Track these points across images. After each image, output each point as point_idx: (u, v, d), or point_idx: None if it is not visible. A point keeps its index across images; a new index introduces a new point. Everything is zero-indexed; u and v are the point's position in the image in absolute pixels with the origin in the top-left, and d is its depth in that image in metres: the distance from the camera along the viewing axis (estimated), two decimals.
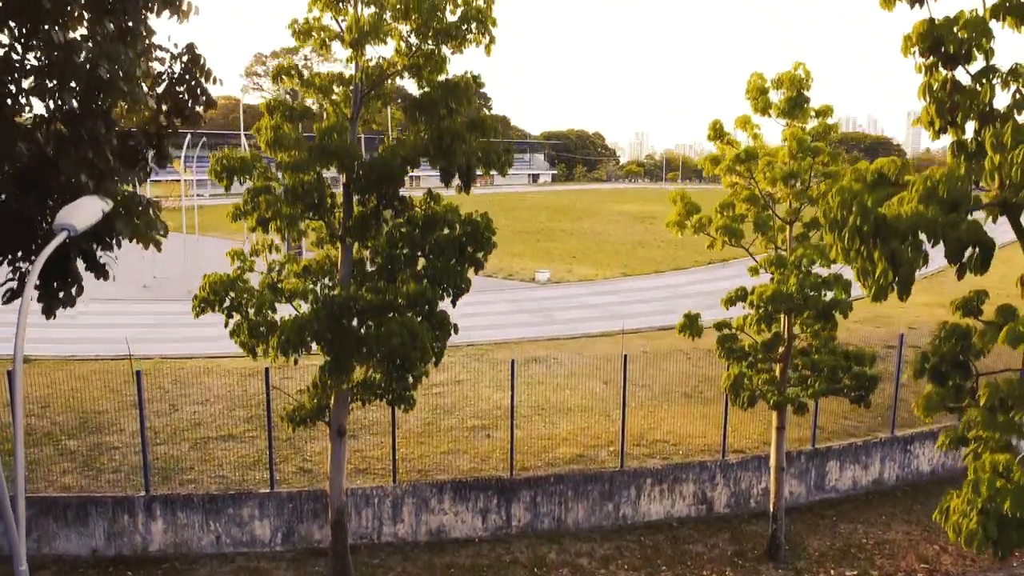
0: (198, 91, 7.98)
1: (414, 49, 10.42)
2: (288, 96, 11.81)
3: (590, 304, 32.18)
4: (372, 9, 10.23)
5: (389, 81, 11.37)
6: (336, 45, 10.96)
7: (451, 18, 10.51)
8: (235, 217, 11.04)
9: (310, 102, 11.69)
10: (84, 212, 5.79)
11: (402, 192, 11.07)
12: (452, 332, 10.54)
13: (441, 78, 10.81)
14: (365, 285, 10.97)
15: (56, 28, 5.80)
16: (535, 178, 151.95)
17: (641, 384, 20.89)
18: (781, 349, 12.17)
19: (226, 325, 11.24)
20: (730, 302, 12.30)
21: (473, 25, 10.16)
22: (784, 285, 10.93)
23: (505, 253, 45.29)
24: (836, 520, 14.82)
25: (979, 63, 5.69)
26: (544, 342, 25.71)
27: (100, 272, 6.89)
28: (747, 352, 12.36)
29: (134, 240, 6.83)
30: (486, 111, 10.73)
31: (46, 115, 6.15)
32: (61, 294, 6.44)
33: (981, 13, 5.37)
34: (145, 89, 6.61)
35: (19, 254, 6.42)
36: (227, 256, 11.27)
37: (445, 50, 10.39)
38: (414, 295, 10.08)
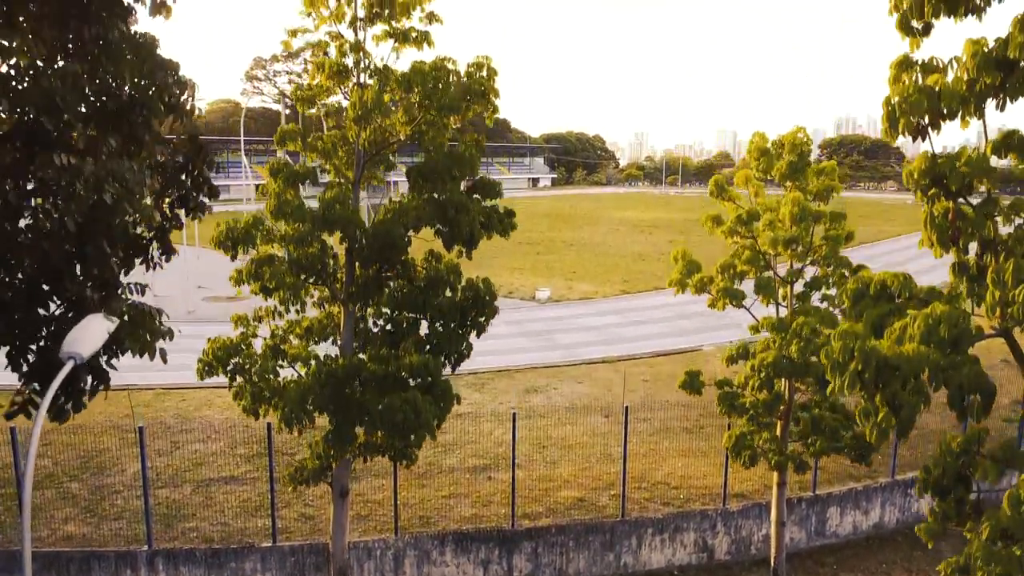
0: (200, 179, 8.02)
1: (417, 118, 10.45)
2: (290, 157, 11.84)
3: (591, 326, 32.19)
4: (375, 80, 10.26)
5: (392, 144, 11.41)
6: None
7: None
8: (238, 282, 11.06)
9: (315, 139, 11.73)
10: (90, 335, 5.82)
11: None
12: (455, 403, 10.58)
13: (444, 138, 10.91)
14: (368, 350, 11.03)
15: (58, 152, 5.83)
16: (535, 182, 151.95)
17: (642, 418, 20.89)
18: (782, 407, 12.21)
19: (229, 387, 11.33)
20: (731, 360, 12.34)
21: (476, 97, 10.18)
22: (785, 351, 10.96)
23: (506, 268, 45.34)
24: (836, 568, 14.86)
25: (981, 192, 5.72)
26: (544, 370, 25.73)
27: (103, 380, 6.93)
28: (748, 408, 12.40)
29: (140, 354, 6.87)
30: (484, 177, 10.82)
31: (50, 228, 6.17)
32: (70, 404, 6.47)
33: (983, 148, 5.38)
34: (149, 201, 6.64)
35: (24, 367, 6.45)
36: (231, 321, 11.31)
37: (449, 118, 10.43)
38: (417, 367, 10.11)
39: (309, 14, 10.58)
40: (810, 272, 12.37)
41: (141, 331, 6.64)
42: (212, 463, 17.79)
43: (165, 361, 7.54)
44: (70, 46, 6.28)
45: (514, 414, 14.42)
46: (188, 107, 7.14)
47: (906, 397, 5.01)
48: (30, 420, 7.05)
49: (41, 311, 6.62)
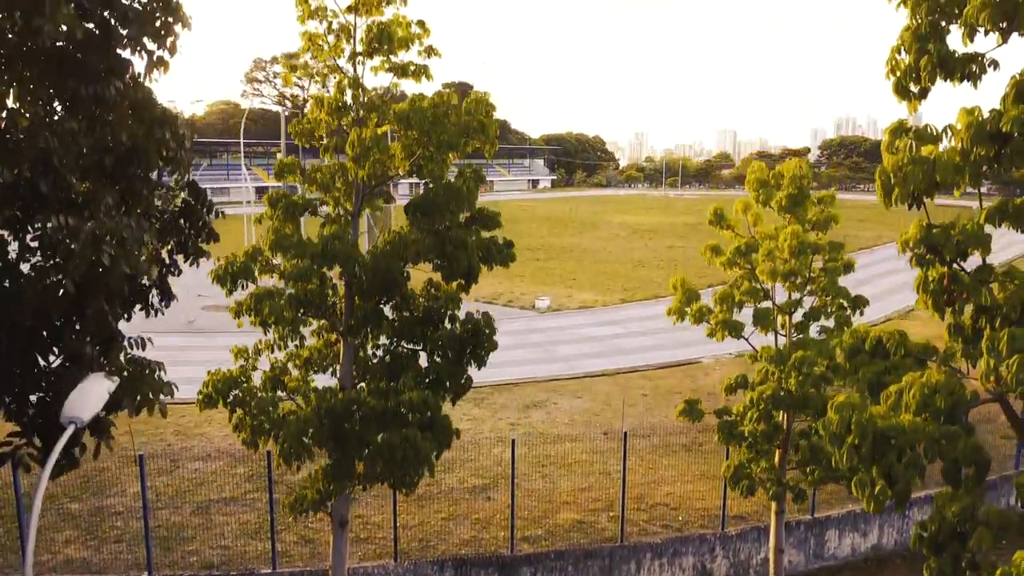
0: (200, 224, 8.04)
1: (416, 154, 10.47)
2: (288, 190, 11.85)
3: (591, 337, 32.23)
4: (374, 115, 10.29)
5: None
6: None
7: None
8: (237, 314, 11.08)
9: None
10: (91, 398, 5.85)
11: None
12: (455, 437, 10.60)
13: (443, 171, 10.93)
14: (367, 382, 11.06)
15: (55, 212, 5.86)
16: (535, 183, 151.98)
17: (641, 435, 20.93)
18: (780, 437, 12.23)
19: (230, 419, 11.36)
20: (730, 390, 12.38)
21: (475, 133, 10.21)
22: (784, 384, 10.99)
23: (506, 275, 45.16)
24: None
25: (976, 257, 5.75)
26: (544, 383, 25.76)
27: (105, 434, 6.96)
28: (747, 436, 12.42)
29: (140, 413, 6.90)
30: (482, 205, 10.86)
31: (49, 287, 6.20)
32: (64, 460, 6.50)
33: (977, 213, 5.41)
34: (148, 255, 6.66)
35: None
36: (231, 353, 11.34)
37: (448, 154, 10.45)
38: (416, 403, 10.13)
39: (308, 49, 10.60)
40: (809, 301, 12.40)
41: (142, 386, 6.66)
42: (212, 483, 17.83)
43: (164, 415, 7.57)
44: (67, 103, 6.29)
45: (513, 441, 14.46)
46: (185, 158, 7.16)
47: (902, 470, 5.04)
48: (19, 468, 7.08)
49: (40, 360, 6.64)
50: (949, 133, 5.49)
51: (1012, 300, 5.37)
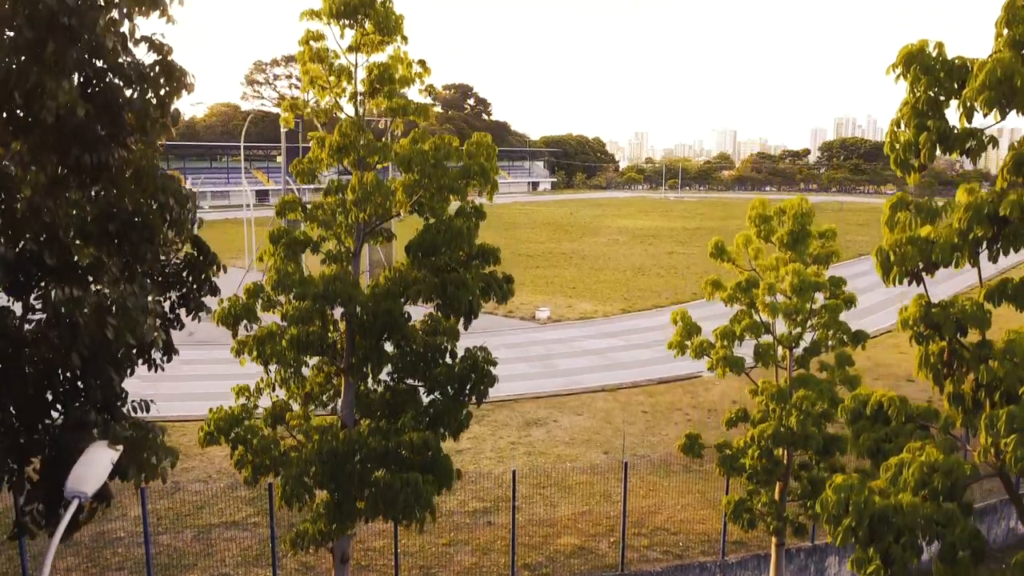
0: (203, 278, 8.07)
1: (416, 196, 10.51)
2: (291, 224, 11.88)
3: (591, 350, 32.25)
4: (375, 157, 10.33)
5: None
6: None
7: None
8: (238, 352, 11.12)
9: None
10: (94, 471, 5.88)
11: None
12: (455, 478, 10.64)
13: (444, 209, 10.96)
14: (368, 420, 11.10)
15: (60, 284, 5.89)
16: (535, 186, 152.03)
17: (640, 455, 20.99)
18: (781, 471, 12.27)
19: (231, 456, 11.42)
20: (731, 423, 12.41)
21: (475, 175, 10.25)
22: (785, 422, 11.02)
23: None
24: None
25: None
26: (545, 399, 25.79)
27: (106, 500, 6.99)
28: (748, 469, 12.46)
29: (142, 481, 6.93)
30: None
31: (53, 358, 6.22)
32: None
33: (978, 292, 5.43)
34: (151, 320, 6.68)
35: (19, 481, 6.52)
36: (232, 392, 11.38)
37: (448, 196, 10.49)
38: (418, 445, 10.17)
39: (308, 91, 10.63)
40: (810, 333, 12.43)
41: (145, 452, 6.69)
42: (213, 506, 17.86)
43: (165, 482, 7.59)
44: (70, 171, 6.32)
45: (513, 472, 14.49)
46: (189, 218, 7.20)
47: (899, 552, 5.08)
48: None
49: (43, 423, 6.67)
50: (949, 209, 5.51)
51: (1012, 376, 5.40)
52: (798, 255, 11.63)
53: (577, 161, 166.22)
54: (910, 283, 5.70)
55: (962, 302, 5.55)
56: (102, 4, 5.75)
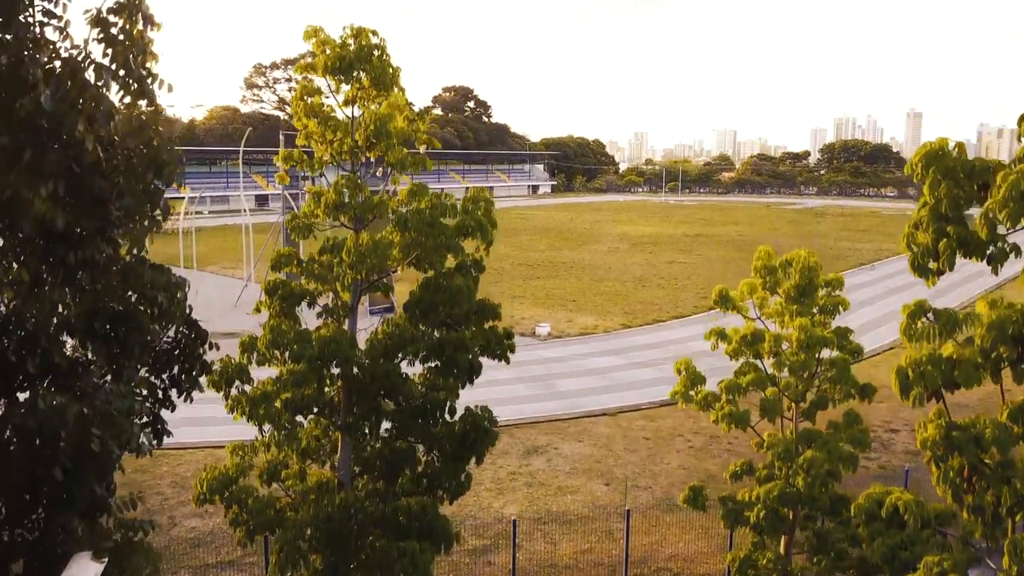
0: (196, 356, 7.82)
1: (413, 254, 10.28)
2: (287, 277, 11.64)
3: (592, 369, 32.01)
4: (372, 216, 10.10)
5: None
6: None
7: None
8: (231, 409, 10.89)
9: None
10: None
11: None
12: (455, 542, 10.41)
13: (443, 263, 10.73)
14: (365, 481, 10.88)
15: (42, 396, 5.64)
16: (535, 189, 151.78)
17: (643, 486, 20.77)
18: (787, 526, 12.04)
19: (226, 515, 11.20)
20: (735, 476, 12.19)
21: (473, 232, 10.02)
22: (792, 481, 10.79)
23: (507, 295, 45.15)
24: None
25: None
26: (545, 425, 25.56)
27: None
28: (752, 522, 12.23)
29: None
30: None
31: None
32: None
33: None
34: (139, 428, 6.43)
35: None
36: (227, 450, 11.16)
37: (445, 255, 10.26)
38: (415, 511, 9.94)
39: (305, 145, 10.41)
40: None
41: (133, 558, 6.44)
42: (209, 543, 17.63)
43: None
44: (54, 269, 6.08)
45: (514, 523, 14.24)
46: (181, 309, 6.95)
47: None
48: None
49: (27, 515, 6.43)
50: (971, 320, 5.28)
51: None
52: (805, 309, 11.40)
53: (577, 164, 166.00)
54: (929, 400, 5.48)
55: (983, 423, 5.31)
56: (81, 105, 5.49)
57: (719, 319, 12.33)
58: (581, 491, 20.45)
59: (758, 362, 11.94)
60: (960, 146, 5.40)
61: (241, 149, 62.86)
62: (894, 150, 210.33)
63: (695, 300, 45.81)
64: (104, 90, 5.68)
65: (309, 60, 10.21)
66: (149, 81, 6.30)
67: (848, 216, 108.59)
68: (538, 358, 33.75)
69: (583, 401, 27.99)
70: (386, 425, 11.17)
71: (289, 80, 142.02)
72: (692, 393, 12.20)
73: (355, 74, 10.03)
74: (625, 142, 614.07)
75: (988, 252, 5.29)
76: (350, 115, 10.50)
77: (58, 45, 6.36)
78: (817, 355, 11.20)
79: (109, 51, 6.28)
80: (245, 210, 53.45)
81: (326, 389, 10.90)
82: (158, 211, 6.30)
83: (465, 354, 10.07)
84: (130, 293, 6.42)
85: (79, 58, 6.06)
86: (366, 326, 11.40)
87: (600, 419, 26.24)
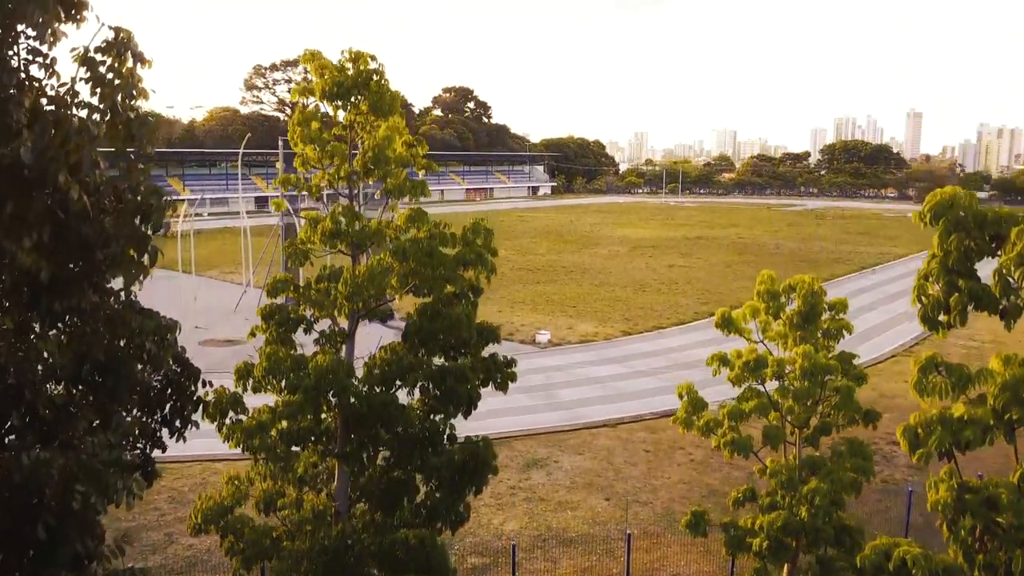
0: (188, 394, 7.66)
1: (411, 284, 10.12)
2: (285, 302, 11.49)
3: (592, 378, 31.84)
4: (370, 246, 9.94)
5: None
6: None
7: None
8: (227, 438, 10.73)
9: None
10: None
11: None
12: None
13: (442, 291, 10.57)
14: (362, 512, 10.73)
15: (26, 451, 5.49)
16: (535, 190, 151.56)
17: (643, 501, 20.61)
18: (790, 554, 11.88)
19: (221, 544, 11.06)
20: (738, 503, 12.03)
21: (471, 263, 9.86)
22: (796, 511, 10.63)
23: (507, 301, 45.02)
24: None
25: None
26: (545, 437, 25.38)
27: None
28: (755, 548, 12.07)
29: None
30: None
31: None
32: None
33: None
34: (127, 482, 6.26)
35: None
36: (223, 482, 11.00)
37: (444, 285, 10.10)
38: (414, 544, 9.78)
39: (303, 168, 10.25)
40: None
41: None
42: (206, 562, 17.45)
43: None
44: (39, 317, 5.92)
45: (514, 547, 14.07)
46: (171, 353, 6.80)
47: None
48: None
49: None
50: (983, 377, 5.11)
51: None
52: (808, 334, 11.23)
53: (577, 164, 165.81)
54: (940, 459, 5.32)
55: (996, 485, 5.15)
56: (66, 154, 5.32)
57: (722, 344, 12.13)
58: (581, 506, 20.29)
59: (761, 387, 11.77)
60: (971, 196, 5.24)
61: (241, 151, 62.68)
62: (894, 150, 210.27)
63: (696, 306, 45.65)
64: (90, 136, 5.51)
65: (307, 84, 10.05)
66: (137, 124, 6.13)
67: (848, 218, 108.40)
68: (538, 367, 33.57)
69: (584, 411, 27.83)
70: (385, 452, 11.03)
71: (289, 82, 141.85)
72: (694, 419, 12.03)
73: (353, 99, 9.86)
74: (625, 142, 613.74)
75: (1000, 307, 5.13)
76: (348, 140, 10.34)
77: (44, 83, 6.21)
78: (821, 382, 11.03)
79: (97, 91, 6.13)
80: (243, 212, 53.20)
81: (323, 416, 10.76)
82: (146, 256, 6.11)
83: (465, 384, 9.91)
84: (119, 342, 6.24)
85: (65, 96, 5.91)
86: (363, 354, 11.24)
87: (600, 431, 26.07)
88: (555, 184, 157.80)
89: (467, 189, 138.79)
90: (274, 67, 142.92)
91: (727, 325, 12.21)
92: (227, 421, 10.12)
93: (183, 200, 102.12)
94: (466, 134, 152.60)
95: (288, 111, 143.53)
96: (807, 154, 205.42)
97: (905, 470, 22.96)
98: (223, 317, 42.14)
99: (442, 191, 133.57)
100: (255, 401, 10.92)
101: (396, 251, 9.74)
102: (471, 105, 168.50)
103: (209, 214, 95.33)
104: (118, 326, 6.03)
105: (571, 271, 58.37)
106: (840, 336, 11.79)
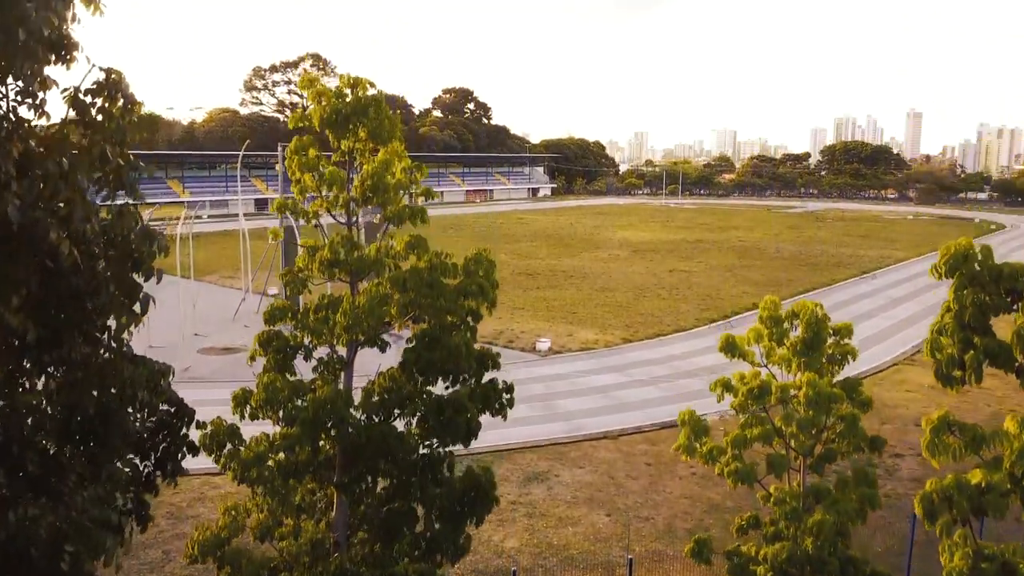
0: (181, 436, 7.52)
1: (411, 314, 9.97)
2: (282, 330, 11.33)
3: (593, 388, 31.68)
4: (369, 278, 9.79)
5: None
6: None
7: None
8: (224, 468, 10.58)
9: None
10: None
11: None
12: None
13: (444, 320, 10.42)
14: (360, 544, 10.57)
15: (12, 507, 5.34)
16: (535, 192, 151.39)
17: (644, 517, 20.45)
18: None
19: (218, 575, 10.92)
20: (741, 531, 11.88)
21: (472, 295, 9.71)
22: (801, 542, 10.48)
23: (507, 307, 44.82)
24: None
25: None
26: (545, 449, 25.22)
27: None
28: None
29: None
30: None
31: None
32: None
33: None
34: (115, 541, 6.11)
35: None
36: (219, 511, 10.85)
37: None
38: None
39: (300, 195, 10.10)
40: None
41: None
42: None
43: None
44: (28, 374, 5.77)
45: (514, 571, 13.91)
46: (165, 396, 6.65)
47: None
48: None
49: None
50: (1000, 440, 4.96)
51: None
52: (812, 361, 11.08)
53: (578, 165, 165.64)
54: (954, 523, 5.17)
55: (1013, 551, 5.00)
56: (56, 209, 5.18)
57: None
58: (582, 522, 20.13)
59: (764, 413, 11.62)
60: (987, 249, 5.08)
61: (241, 153, 62.57)
62: (894, 151, 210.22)
63: (696, 312, 45.50)
64: (80, 189, 5.36)
65: (304, 111, 9.89)
66: (127, 170, 5.99)
67: (848, 220, 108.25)
68: (538, 376, 33.44)
69: (584, 422, 27.66)
70: (384, 481, 10.88)
71: (288, 83, 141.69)
72: (697, 445, 11.88)
73: (352, 126, 9.70)
74: (625, 142, 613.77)
75: (1016, 365, 4.99)
76: (347, 167, 10.19)
77: (34, 124, 6.07)
78: (826, 410, 10.87)
79: (87, 136, 5.99)
80: (241, 216, 52.98)
81: (322, 443, 10.61)
82: (137, 304, 5.97)
83: (464, 415, 9.76)
84: (110, 392, 6.09)
85: (56, 140, 5.77)
86: (363, 371, 11.09)
87: (601, 442, 25.91)
88: (555, 185, 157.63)
89: (467, 191, 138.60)
90: (274, 68, 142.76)
91: (730, 349, 12.05)
92: (224, 452, 9.96)
93: (183, 203, 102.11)
94: (466, 135, 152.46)
95: (288, 112, 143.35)
96: (807, 155, 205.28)
97: (908, 484, 22.80)
98: (222, 324, 42.00)
99: (442, 193, 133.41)
100: (253, 427, 10.80)
101: (396, 281, 9.60)
102: (471, 106, 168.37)
103: (209, 216, 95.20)
104: (109, 376, 5.88)
105: (571, 276, 58.22)
106: (845, 362, 11.63)
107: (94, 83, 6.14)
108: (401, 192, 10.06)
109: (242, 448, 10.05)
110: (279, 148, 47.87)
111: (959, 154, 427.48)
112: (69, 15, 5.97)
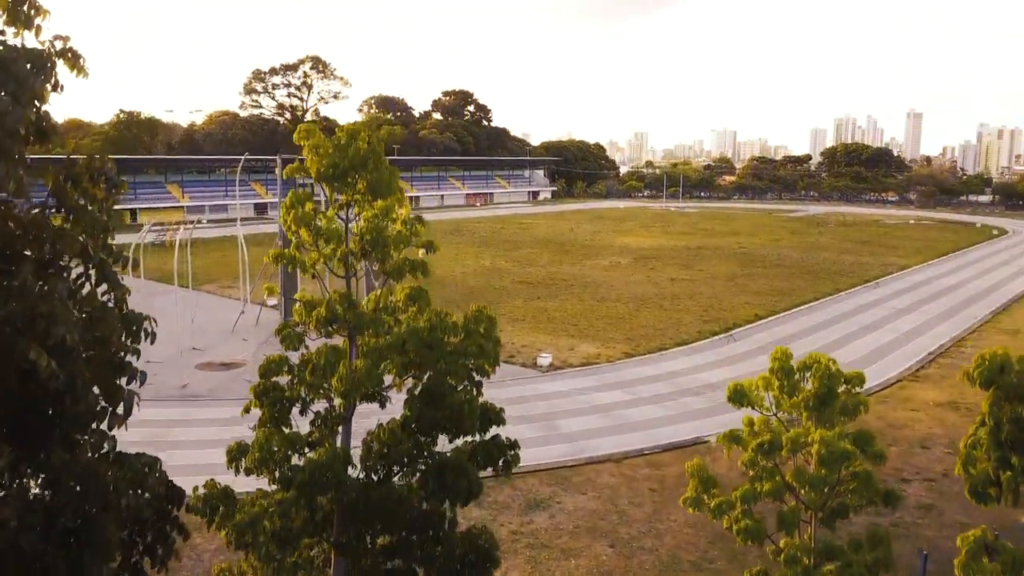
0: (172, 519, 7.19)
1: (411, 373, 9.65)
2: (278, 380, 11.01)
3: (595, 406, 31.33)
4: (366, 335, 9.47)
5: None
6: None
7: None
8: (219, 528, 10.27)
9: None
10: None
11: None
12: None
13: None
14: None
15: None
16: (535, 195, 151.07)
17: (648, 548, 20.14)
18: None
19: None
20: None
21: (474, 355, 9.40)
22: None
23: (507, 319, 44.48)
24: None
25: None
26: (547, 474, 24.89)
27: None
28: None
29: None
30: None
31: None
32: None
33: None
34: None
35: None
36: (214, 573, 10.54)
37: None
38: None
39: (297, 253, 9.78)
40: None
41: None
42: None
43: None
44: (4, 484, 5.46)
45: None
46: (155, 491, 6.34)
47: None
48: None
49: None
50: None
51: None
52: (825, 417, 10.76)
53: (578, 168, 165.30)
54: None
55: None
56: (37, 322, 4.86)
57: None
58: (585, 554, 19.82)
59: (774, 466, 11.29)
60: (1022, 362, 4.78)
61: (242, 157, 62.24)
62: (894, 152, 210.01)
63: (698, 324, 45.15)
64: (62, 301, 5.04)
65: (300, 163, 9.58)
66: (111, 261, 5.67)
67: (850, 225, 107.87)
68: (540, 393, 33.13)
69: (587, 444, 27.33)
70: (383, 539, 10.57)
71: (288, 86, 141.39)
72: (704, 498, 11.56)
73: (350, 180, 9.39)
74: (625, 142, 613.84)
75: None
76: (345, 220, 9.87)
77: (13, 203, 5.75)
78: (839, 470, 10.56)
79: (68, 222, 5.67)
80: (239, 223, 52.61)
81: (320, 500, 10.29)
82: (121, 406, 5.65)
83: (465, 479, 9.45)
84: (95, 499, 5.77)
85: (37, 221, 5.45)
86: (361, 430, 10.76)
87: (604, 466, 25.58)
88: (555, 188, 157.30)
89: (467, 194, 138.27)
90: (273, 71, 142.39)
91: (739, 399, 11.74)
92: (218, 515, 9.64)
93: (182, 207, 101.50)
94: (466, 138, 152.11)
95: (287, 116, 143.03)
96: (808, 157, 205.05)
97: (915, 511, 22.53)
98: (221, 337, 41.66)
99: (442, 196, 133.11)
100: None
101: (395, 343, 9.27)
102: (471, 108, 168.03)
103: (208, 221, 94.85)
104: (91, 485, 5.55)
105: (571, 285, 57.86)
106: (858, 412, 11.30)
107: (77, 167, 5.82)
108: (401, 245, 9.75)
109: (236, 513, 9.74)
110: (278, 158, 47.59)
111: (959, 154, 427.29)
112: (48, 88, 5.66)
